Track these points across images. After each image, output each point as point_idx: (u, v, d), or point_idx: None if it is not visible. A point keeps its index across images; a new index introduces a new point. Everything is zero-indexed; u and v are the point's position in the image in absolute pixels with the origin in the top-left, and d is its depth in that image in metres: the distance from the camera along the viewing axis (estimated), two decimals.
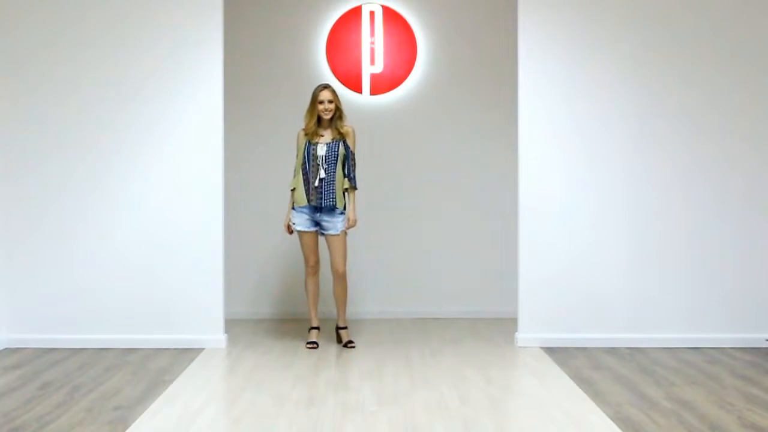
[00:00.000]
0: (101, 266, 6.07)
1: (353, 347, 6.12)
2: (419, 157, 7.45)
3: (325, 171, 6.03)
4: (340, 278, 6.18)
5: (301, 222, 6.09)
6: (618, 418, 4.32)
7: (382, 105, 7.48)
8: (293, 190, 6.12)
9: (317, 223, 6.11)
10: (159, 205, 6.09)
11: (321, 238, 6.25)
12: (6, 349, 6.00)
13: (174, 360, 5.68)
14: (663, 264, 6.18)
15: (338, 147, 6.08)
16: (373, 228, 7.32)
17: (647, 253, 6.18)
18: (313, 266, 6.22)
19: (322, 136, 6.11)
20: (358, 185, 6.24)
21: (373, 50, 7.41)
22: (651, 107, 6.18)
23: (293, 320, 7.24)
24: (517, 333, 6.22)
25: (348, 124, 6.19)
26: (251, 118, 7.40)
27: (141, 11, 6.09)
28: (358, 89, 7.43)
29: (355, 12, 7.44)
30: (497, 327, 6.90)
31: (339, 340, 6.29)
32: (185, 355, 5.83)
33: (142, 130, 6.06)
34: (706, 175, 6.20)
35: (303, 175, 6.07)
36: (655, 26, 6.19)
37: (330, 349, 6.11)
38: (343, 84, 7.41)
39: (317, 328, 6.27)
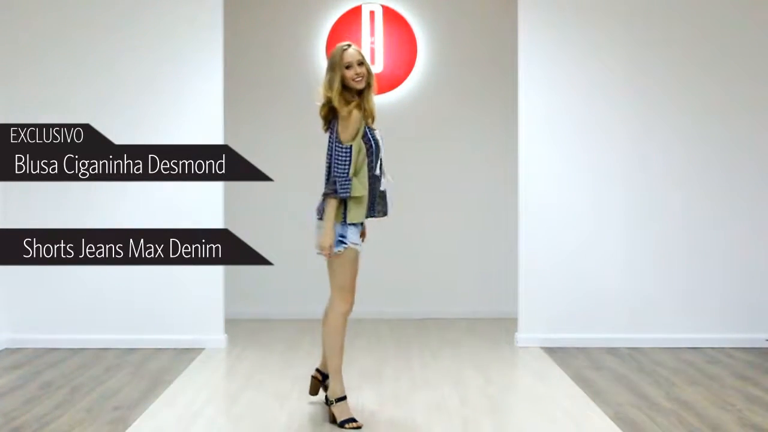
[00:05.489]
0: (101, 266, 6.06)
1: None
2: (419, 156, 7.44)
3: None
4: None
5: (358, 239, 4.45)
6: (618, 418, 4.32)
7: (382, 105, 7.40)
8: (353, 198, 4.23)
9: None
10: (159, 205, 6.08)
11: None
12: (6, 349, 6.00)
13: (174, 360, 5.68)
14: (663, 264, 6.18)
15: None
16: (373, 228, 7.30)
17: (647, 254, 6.18)
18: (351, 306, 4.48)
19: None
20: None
21: (373, 50, 7.41)
22: (649, 109, 6.18)
23: (294, 320, 7.24)
24: (517, 333, 6.22)
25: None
26: (251, 118, 7.38)
27: (141, 13, 6.10)
28: None
29: (355, 12, 7.44)
30: (497, 327, 6.90)
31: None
32: (185, 355, 5.83)
33: (143, 133, 6.04)
34: (705, 176, 6.20)
35: (371, 177, 4.27)
36: (655, 29, 6.19)
37: None
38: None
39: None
